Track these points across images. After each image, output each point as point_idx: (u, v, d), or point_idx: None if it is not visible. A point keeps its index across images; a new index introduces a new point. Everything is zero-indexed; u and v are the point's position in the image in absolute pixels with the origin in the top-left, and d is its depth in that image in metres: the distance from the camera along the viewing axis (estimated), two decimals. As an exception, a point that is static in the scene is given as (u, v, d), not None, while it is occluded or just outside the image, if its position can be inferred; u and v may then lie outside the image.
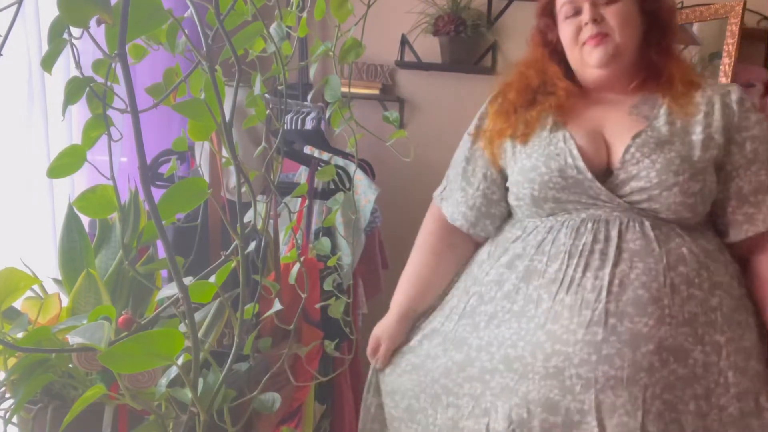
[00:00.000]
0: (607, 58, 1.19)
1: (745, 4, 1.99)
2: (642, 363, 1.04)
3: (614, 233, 1.12)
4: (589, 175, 1.14)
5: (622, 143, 1.17)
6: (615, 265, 1.09)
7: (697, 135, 1.14)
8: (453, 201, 1.36)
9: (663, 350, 1.04)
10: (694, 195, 1.11)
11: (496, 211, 1.32)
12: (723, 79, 1.98)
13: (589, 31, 1.19)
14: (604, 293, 1.07)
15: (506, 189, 1.30)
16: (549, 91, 1.26)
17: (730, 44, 1.98)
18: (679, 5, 2.19)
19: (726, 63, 1.99)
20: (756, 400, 1.08)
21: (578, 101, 1.26)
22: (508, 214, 1.34)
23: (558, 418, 1.07)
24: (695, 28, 2.16)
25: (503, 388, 1.13)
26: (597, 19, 1.18)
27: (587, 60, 1.21)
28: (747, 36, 2.05)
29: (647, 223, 1.12)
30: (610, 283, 1.08)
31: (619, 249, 1.11)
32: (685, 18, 2.12)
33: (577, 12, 1.21)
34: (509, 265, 1.21)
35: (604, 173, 1.17)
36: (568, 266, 1.12)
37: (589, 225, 1.14)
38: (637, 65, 1.24)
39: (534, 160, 1.20)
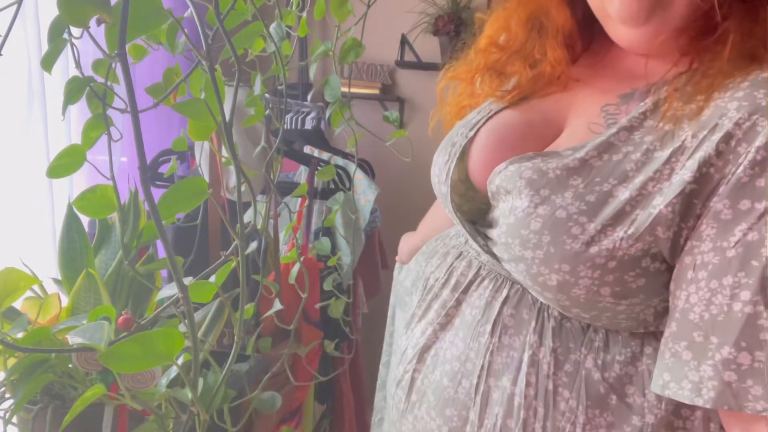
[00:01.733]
0: (637, 6, 0.63)
1: (745, 3, 1.99)
2: None
3: (464, 281, 0.78)
4: (446, 190, 0.78)
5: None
6: (441, 326, 0.78)
7: (626, 189, 0.64)
8: None
9: None
10: (550, 289, 0.68)
11: None
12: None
13: None
14: (416, 357, 0.79)
15: None
16: (532, 55, 0.80)
17: (730, 44, 1.98)
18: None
19: (726, 63, 1.98)
20: None
21: (600, 60, 0.78)
22: None
23: None
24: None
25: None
26: None
27: (608, 8, 0.67)
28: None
29: (503, 293, 0.74)
30: (425, 348, 0.79)
31: (457, 307, 0.78)
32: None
33: None
34: (416, 271, 0.93)
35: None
36: (421, 299, 0.84)
37: (458, 261, 0.81)
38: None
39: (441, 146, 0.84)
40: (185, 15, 0.83)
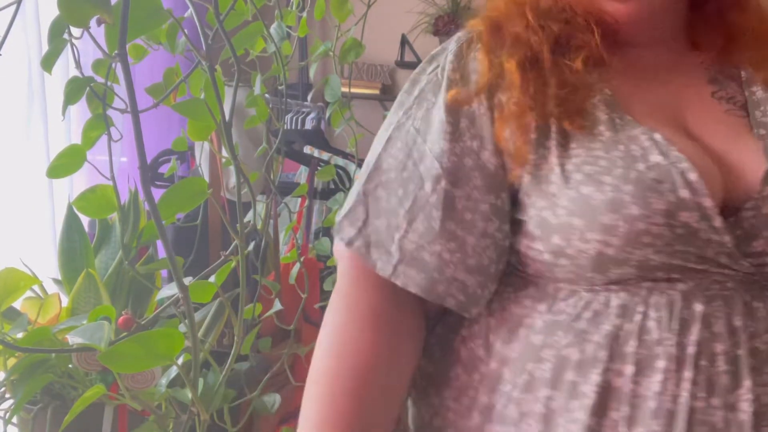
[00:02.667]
0: None
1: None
2: None
3: (738, 322, 0.58)
4: (718, 221, 0.57)
5: (751, 158, 0.61)
6: (756, 385, 0.56)
7: None
8: (413, 257, 0.62)
9: None
10: None
11: (499, 269, 0.64)
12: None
13: None
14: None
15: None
16: (570, 29, 0.63)
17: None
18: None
19: (726, 63, 1.98)
20: None
21: (615, 57, 0.64)
22: None
23: None
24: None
25: None
26: None
27: None
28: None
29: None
30: (758, 423, 0.55)
31: (752, 353, 0.57)
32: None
33: None
34: (556, 383, 0.59)
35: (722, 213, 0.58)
36: (678, 386, 0.57)
37: (698, 307, 0.58)
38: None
39: (609, 187, 0.57)
40: (185, 15, 0.83)
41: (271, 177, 0.97)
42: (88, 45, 0.69)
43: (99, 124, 0.69)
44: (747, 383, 0.57)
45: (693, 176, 0.56)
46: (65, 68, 1.39)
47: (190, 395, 0.63)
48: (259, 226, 0.94)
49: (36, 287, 0.91)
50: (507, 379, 0.62)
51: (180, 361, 0.59)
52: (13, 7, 0.61)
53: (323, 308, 1.42)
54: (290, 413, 1.30)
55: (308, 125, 2.30)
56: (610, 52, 0.64)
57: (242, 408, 0.94)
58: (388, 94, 2.63)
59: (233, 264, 0.66)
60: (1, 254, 1.30)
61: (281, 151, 1.02)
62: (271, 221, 1.25)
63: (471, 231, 0.62)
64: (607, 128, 0.61)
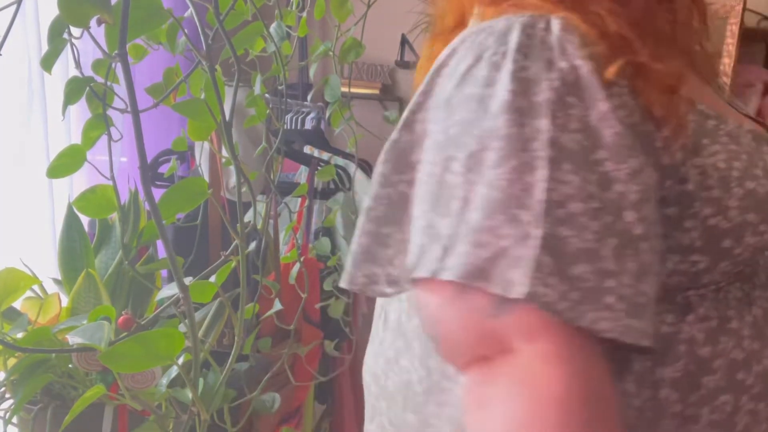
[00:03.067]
0: None
1: (745, 4, 1.99)
2: None
3: None
4: None
5: None
6: None
7: None
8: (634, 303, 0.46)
9: None
10: None
11: None
12: (723, 79, 1.99)
13: None
14: None
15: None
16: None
17: (730, 44, 1.98)
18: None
19: (726, 63, 1.99)
20: None
21: None
22: None
23: None
24: (695, 28, 2.16)
25: None
26: None
27: None
28: (747, 36, 2.05)
29: None
30: None
31: None
32: (685, 18, 2.12)
33: None
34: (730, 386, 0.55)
35: None
36: None
37: None
38: None
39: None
40: (185, 15, 0.83)
41: (271, 177, 0.97)
42: (88, 45, 0.69)
43: (99, 124, 0.69)
44: None
45: None
46: (65, 68, 1.39)
47: (190, 395, 0.63)
48: (259, 226, 0.94)
49: (36, 287, 0.91)
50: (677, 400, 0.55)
51: (180, 361, 0.59)
52: (13, 7, 0.61)
53: (323, 308, 1.42)
54: (290, 413, 1.30)
55: (308, 125, 2.30)
56: None
57: (242, 408, 0.94)
58: (388, 94, 2.63)
59: (233, 264, 0.66)
60: (1, 254, 1.30)
61: (281, 151, 1.02)
62: (271, 221, 1.25)
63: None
64: (734, 126, 0.56)
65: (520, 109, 0.46)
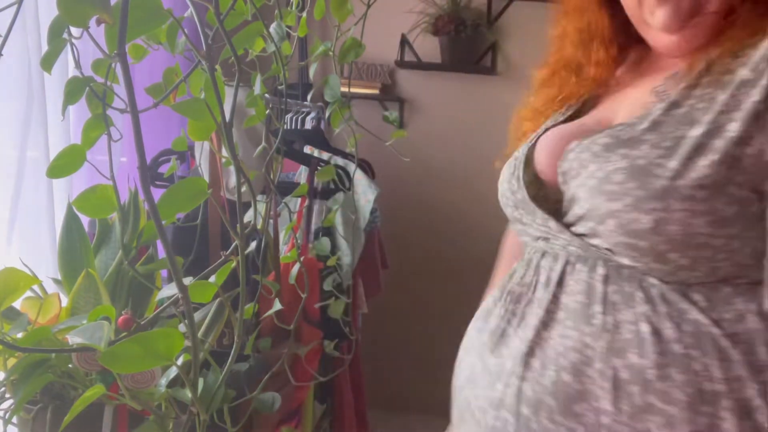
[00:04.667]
0: (678, 18, 0.71)
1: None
2: None
3: (555, 276, 0.75)
4: (523, 192, 0.79)
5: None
6: (544, 325, 0.73)
7: (699, 127, 0.66)
8: None
9: None
10: (646, 235, 0.66)
11: None
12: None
13: None
14: (519, 366, 0.73)
15: None
16: (579, 67, 0.87)
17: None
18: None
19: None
20: None
21: (647, 60, 0.84)
22: None
23: None
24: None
25: None
26: None
27: (648, 20, 0.75)
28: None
29: (600, 271, 0.71)
30: (529, 353, 0.73)
31: (555, 302, 0.74)
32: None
33: None
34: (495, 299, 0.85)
35: None
36: (508, 312, 0.79)
37: (543, 260, 0.79)
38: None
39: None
40: (185, 15, 0.83)
41: (271, 177, 0.97)
42: (87, 45, 0.69)
43: (99, 124, 0.69)
44: (533, 327, 0.75)
45: (522, 154, 0.84)
46: (65, 68, 1.39)
47: (190, 395, 0.63)
48: (259, 226, 0.94)
49: (36, 287, 0.91)
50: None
51: (180, 361, 0.59)
52: (14, 7, 0.61)
53: (323, 308, 1.41)
54: (290, 413, 1.30)
55: (308, 125, 2.30)
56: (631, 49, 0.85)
57: (242, 408, 0.94)
58: (388, 94, 2.63)
59: (233, 264, 0.66)
60: (1, 254, 1.30)
61: (281, 151, 1.02)
62: (271, 221, 1.25)
63: None
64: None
65: None
